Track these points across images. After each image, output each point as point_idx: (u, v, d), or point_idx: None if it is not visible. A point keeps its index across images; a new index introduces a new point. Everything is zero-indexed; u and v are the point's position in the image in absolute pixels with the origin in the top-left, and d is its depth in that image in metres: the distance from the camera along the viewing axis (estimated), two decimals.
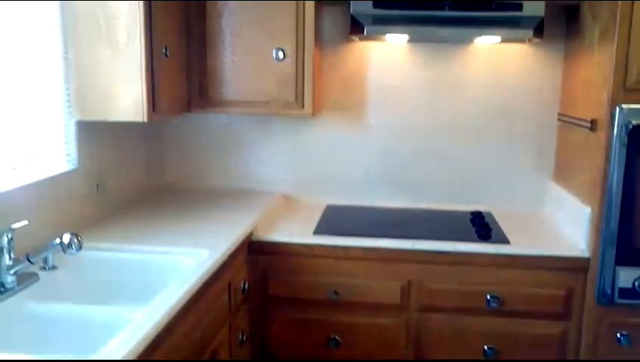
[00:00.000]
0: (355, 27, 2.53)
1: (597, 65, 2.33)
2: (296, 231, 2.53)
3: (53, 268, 1.92)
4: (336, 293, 2.45)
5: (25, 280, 1.80)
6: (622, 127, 2.16)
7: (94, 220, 2.42)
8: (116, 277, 2.04)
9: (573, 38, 2.66)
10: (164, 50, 2.34)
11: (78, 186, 2.34)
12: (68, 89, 2.26)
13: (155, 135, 3.06)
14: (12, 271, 1.75)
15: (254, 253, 2.47)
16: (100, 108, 2.26)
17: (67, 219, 2.25)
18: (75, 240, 1.72)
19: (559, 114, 2.79)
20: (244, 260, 2.40)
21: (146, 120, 2.24)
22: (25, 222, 1.76)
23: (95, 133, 2.44)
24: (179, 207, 2.72)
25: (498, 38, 2.64)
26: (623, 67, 2.16)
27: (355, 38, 2.74)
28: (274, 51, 2.59)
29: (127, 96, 2.23)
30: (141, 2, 2.16)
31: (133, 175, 2.83)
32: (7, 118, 1.96)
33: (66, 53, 2.23)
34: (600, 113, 2.26)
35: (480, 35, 2.59)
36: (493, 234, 2.51)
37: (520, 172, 2.92)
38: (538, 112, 2.87)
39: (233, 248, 2.18)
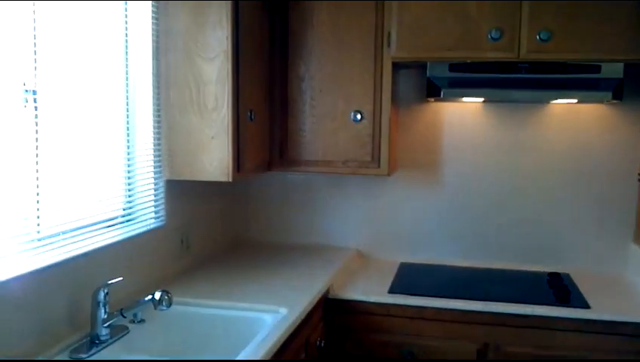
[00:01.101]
0: (432, 90, 2.59)
1: None
2: (371, 289, 2.56)
3: (142, 321, 2.03)
4: (411, 354, 2.45)
5: (117, 332, 1.91)
6: None
7: (179, 275, 2.53)
8: (199, 331, 2.13)
9: None
10: (249, 114, 2.47)
11: (165, 242, 2.47)
12: (159, 150, 2.41)
13: (236, 192, 3.19)
14: (106, 325, 1.86)
15: (330, 310, 2.51)
16: (188, 169, 2.40)
17: (154, 274, 2.37)
18: (166, 297, 1.82)
19: (639, 174, 2.75)
20: (321, 317, 2.44)
21: (230, 180, 2.36)
22: (120, 279, 1.88)
23: (182, 191, 2.57)
24: (258, 261, 2.81)
25: (575, 100, 2.64)
26: None
27: (431, 99, 2.80)
28: (352, 113, 2.68)
29: (214, 158, 2.36)
30: (230, 69, 2.31)
31: (215, 230, 2.95)
32: (103, 179, 2.12)
33: (158, 117, 2.40)
34: None
35: (557, 98, 2.60)
36: (572, 297, 2.46)
37: (599, 233, 2.87)
38: (617, 173, 2.82)
39: (311, 306, 2.23)
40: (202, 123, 2.36)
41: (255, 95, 2.56)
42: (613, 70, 2.46)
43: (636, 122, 2.79)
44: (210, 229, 2.90)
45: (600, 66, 2.46)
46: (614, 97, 2.46)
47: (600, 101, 2.68)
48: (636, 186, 2.79)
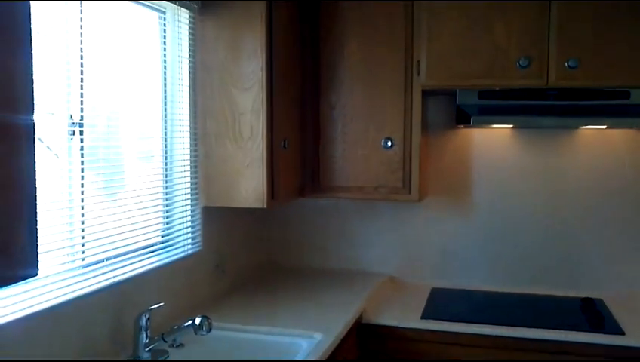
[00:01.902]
0: (461, 117, 2.64)
1: None
2: (404, 314, 2.59)
3: (180, 345, 2.08)
4: None
5: (157, 356, 1.97)
6: None
7: (215, 299, 2.58)
8: (237, 356, 2.17)
9: None
10: (282, 143, 2.54)
11: (202, 267, 2.53)
12: (196, 178, 2.49)
13: (270, 218, 3.25)
14: (148, 349, 1.92)
15: (364, 335, 2.54)
16: (224, 195, 2.47)
17: (191, 298, 2.43)
18: (206, 322, 1.88)
19: None
20: (355, 343, 2.47)
21: (265, 206, 2.42)
22: (161, 304, 1.94)
23: (217, 217, 2.64)
24: (292, 285, 2.86)
25: (604, 126, 2.66)
26: None
27: (461, 126, 2.84)
28: (382, 140, 2.74)
29: (249, 185, 2.42)
30: (264, 99, 2.38)
31: (249, 255, 3.01)
32: (143, 206, 2.19)
33: (195, 146, 2.47)
34: None
35: (586, 124, 2.63)
36: (605, 323, 2.46)
37: (632, 257, 2.86)
38: None
39: (345, 331, 2.27)
40: (238, 151, 2.44)
41: (288, 123, 2.63)
42: None
43: None
44: (245, 254, 2.96)
45: (629, 92, 2.49)
46: None
47: (630, 126, 2.70)
48: None
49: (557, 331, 2.39)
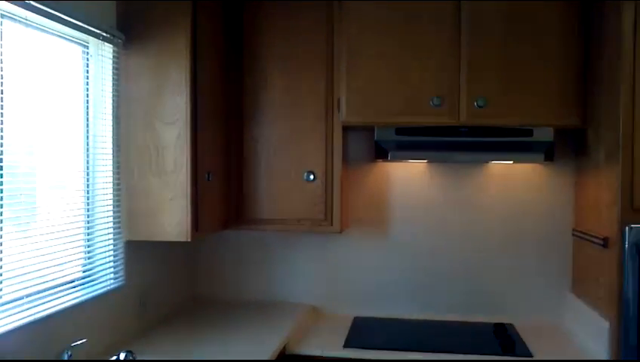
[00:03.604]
0: (380, 152, 2.76)
1: (605, 185, 2.51)
2: (327, 344, 2.64)
3: None
4: None
5: None
6: (633, 245, 2.31)
7: (139, 334, 2.55)
8: None
9: (582, 159, 2.86)
10: (207, 175, 2.57)
11: (125, 302, 2.50)
12: (119, 211, 2.47)
13: (195, 251, 3.25)
14: None
15: None
16: (147, 229, 2.46)
17: (114, 334, 2.39)
18: (131, 357, 1.87)
19: (574, 230, 2.94)
20: None
21: (189, 239, 2.43)
22: (84, 340, 1.92)
23: (141, 251, 2.62)
24: (216, 319, 2.85)
25: (511, 161, 2.86)
26: (628, 189, 2.33)
27: (380, 160, 2.96)
28: (305, 173, 2.81)
29: (172, 218, 2.43)
30: (188, 133, 2.41)
31: (174, 288, 3.00)
32: (63, 241, 2.16)
33: (118, 179, 2.47)
34: (611, 232, 2.41)
35: (494, 160, 2.82)
36: (516, 347, 2.60)
37: (539, 285, 3.04)
38: (554, 227, 3.02)
39: None
40: (161, 185, 2.45)
41: (212, 156, 2.66)
42: (544, 134, 2.68)
43: (567, 181, 3.01)
44: (169, 288, 2.94)
45: (532, 130, 2.68)
46: (546, 159, 2.68)
47: (533, 162, 2.90)
48: (571, 240, 3.00)
49: (472, 355, 2.51)
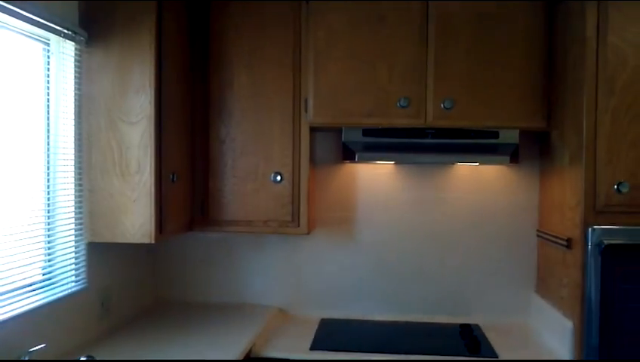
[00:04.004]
0: (347, 153, 2.75)
1: (569, 187, 2.54)
2: (293, 346, 2.63)
3: None
4: None
5: None
6: (595, 246, 2.34)
7: (101, 338, 2.50)
8: None
9: (546, 161, 2.89)
10: (171, 176, 2.53)
11: (87, 305, 2.45)
12: (81, 213, 2.42)
13: (158, 252, 3.20)
14: None
15: None
16: (110, 231, 2.41)
17: (76, 338, 2.34)
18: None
19: (538, 230, 2.98)
20: None
21: (153, 241, 2.39)
22: (42, 346, 1.87)
23: (103, 253, 2.57)
24: (180, 322, 2.81)
25: (477, 163, 2.88)
26: (592, 191, 2.36)
27: (347, 161, 2.96)
28: (272, 174, 2.79)
29: (136, 220, 2.39)
30: (153, 133, 2.37)
31: (137, 291, 2.94)
32: (22, 243, 2.10)
33: (80, 179, 2.41)
34: (574, 233, 2.44)
35: (460, 161, 2.83)
36: (482, 347, 2.62)
37: (504, 285, 3.07)
38: (519, 228, 3.06)
39: None
40: (124, 186, 2.40)
41: (178, 157, 2.63)
42: (510, 136, 2.71)
43: (532, 182, 3.04)
44: (133, 290, 2.89)
45: (498, 132, 2.71)
46: (511, 160, 2.70)
47: (499, 163, 2.92)
48: (535, 240, 3.03)
49: (438, 357, 2.51)
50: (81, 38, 2.37)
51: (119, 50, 2.39)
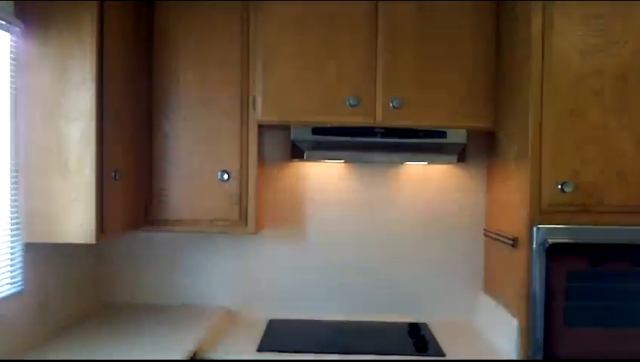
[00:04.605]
0: (296, 152, 2.72)
1: (515, 187, 2.57)
2: (240, 348, 2.58)
3: None
4: None
5: None
6: (540, 245, 2.37)
7: (39, 342, 2.40)
8: None
9: (493, 161, 2.92)
10: (113, 174, 2.44)
11: (23, 308, 2.34)
12: (17, 212, 2.32)
13: (100, 253, 3.10)
14: None
15: None
16: (48, 231, 2.31)
17: (13, 343, 2.24)
18: None
19: (485, 229, 3.01)
20: None
21: (94, 241, 2.31)
22: None
23: (43, 254, 2.47)
24: (124, 325, 2.72)
25: (425, 162, 2.89)
26: (537, 190, 2.39)
27: (296, 160, 2.92)
28: (219, 173, 2.73)
29: (76, 219, 2.30)
30: (94, 130, 2.28)
31: (78, 293, 2.84)
32: None
33: (16, 178, 2.31)
34: (520, 232, 2.47)
35: (409, 161, 2.84)
36: (429, 346, 2.62)
37: (453, 284, 3.09)
38: (467, 227, 3.08)
39: None
40: (64, 184, 2.31)
41: (120, 154, 2.54)
42: (457, 135, 2.73)
43: (479, 182, 3.07)
44: (74, 292, 2.78)
45: (446, 132, 2.72)
46: (459, 160, 2.72)
47: (447, 163, 2.94)
48: (483, 240, 3.06)
49: (385, 356, 2.50)
50: (17, 29, 2.27)
51: (58, 43, 2.30)
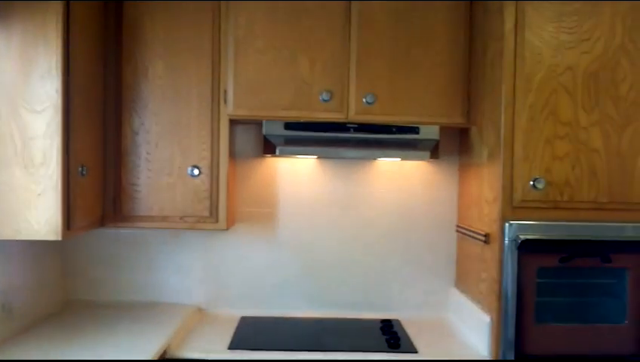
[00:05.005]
0: (268, 147, 2.69)
1: (487, 183, 2.57)
2: (211, 346, 2.53)
3: None
4: None
5: None
6: (512, 241, 2.38)
7: (3, 342, 2.33)
8: None
9: (466, 157, 2.93)
10: (80, 169, 2.38)
11: None
12: None
13: (67, 250, 3.02)
14: None
15: None
16: (11, 228, 2.24)
17: None
18: None
19: (457, 226, 3.01)
20: None
21: (60, 238, 2.24)
22: None
23: (4, 251, 2.39)
24: (91, 323, 2.66)
25: (398, 158, 2.88)
26: (509, 187, 2.39)
27: (268, 155, 2.89)
28: (189, 168, 2.68)
29: (41, 215, 2.23)
30: (60, 123, 2.22)
31: (43, 291, 2.76)
32: None
33: None
34: (492, 228, 2.47)
35: (381, 157, 2.82)
36: (402, 343, 2.61)
37: (425, 280, 3.09)
38: (440, 223, 3.08)
39: None
40: (28, 179, 2.23)
41: (87, 148, 2.48)
42: (430, 132, 2.72)
43: (452, 179, 3.07)
44: (39, 291, 2.71)
45: (419, 128, 2.71)
46: (432, 156, 2.71)
47: (420, 159, 2.93)
48: (455, 236, 3.06)
49: (359, 353, 2.49)
50: None
51: (22, 31, 2.22)
